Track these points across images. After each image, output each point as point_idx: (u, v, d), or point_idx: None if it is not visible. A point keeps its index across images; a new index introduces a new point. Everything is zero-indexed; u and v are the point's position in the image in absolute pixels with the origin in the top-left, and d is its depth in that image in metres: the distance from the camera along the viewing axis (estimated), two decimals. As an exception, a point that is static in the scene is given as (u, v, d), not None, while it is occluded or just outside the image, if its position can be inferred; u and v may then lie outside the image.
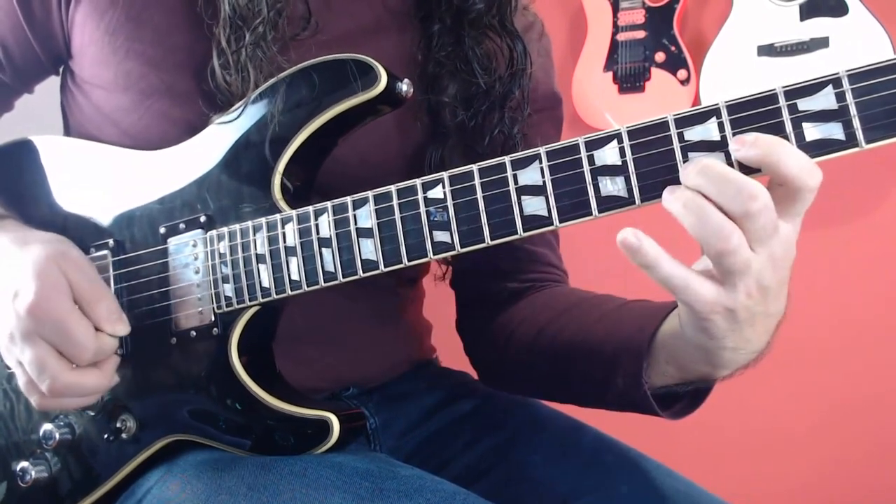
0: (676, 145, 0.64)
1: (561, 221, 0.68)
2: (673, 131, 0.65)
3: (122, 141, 0.90)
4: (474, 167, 0.71)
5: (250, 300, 0.81)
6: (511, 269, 1.00)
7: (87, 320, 0.79)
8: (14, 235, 0.86)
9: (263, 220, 0.80)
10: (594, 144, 0.67)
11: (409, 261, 0.73)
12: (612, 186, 0.66)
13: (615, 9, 2.22)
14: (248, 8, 0.83)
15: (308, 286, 0.78)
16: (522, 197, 0.69)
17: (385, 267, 0.74)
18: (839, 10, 1.98)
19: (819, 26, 1.99)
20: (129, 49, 0.87)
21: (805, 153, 0.61)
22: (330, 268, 0.77)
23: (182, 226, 0.84)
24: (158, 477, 0.83)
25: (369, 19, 0.93)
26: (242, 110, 0.83)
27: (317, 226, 0.77)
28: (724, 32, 2.09)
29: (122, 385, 0.85)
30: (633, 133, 0.66)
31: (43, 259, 0.80)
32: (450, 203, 0.71)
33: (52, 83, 1.00)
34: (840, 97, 0.61)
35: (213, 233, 0.83)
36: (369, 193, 0.75)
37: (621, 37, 2.21)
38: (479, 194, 0.70)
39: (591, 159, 0.67)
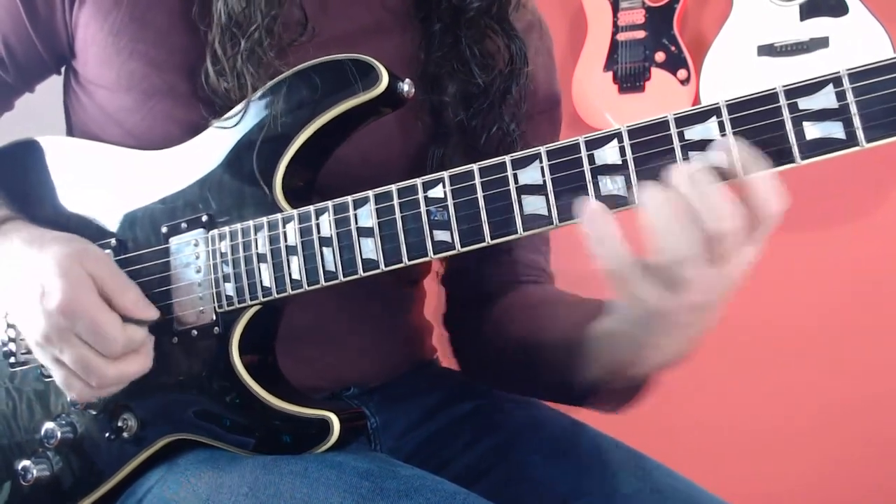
0: (677, 144, 0.64)
1: (561, 221, 0.68)
2: (673, 130, 0.65)
3: (125, 140, 0.91)
4: (475, 166, 0.71)
5: (251, 299, 0.81)
6: (500, 272, 1.01)
7: (115, 314, 0.80)
8: (27, 236, 0.86)
9: (265, 219, 0.80)
10: (594, 144, 0.67)
11: (409, 260, 0.74)
12: (612, 185, 0.67)
13: (615, 9, 2.22)
14: (243, 14, 0.83)
15: (309, 285, 0.78)
16: (523, 196, 0.69)
17: (385, 266, 0.75)
18: (839, 10, 1.98)
19: (819, 26, 1.99)
20: (132, 50, 0.88)
21: (808, 152, 0.62)
22: (331, 267, 0.77)
23: (184, 225, 0.85)
24: (159, 476, 0.83)
25: (368, 21, 0.93)
26: (244, 111, 0.83)
27: (318, 225, 0.77)
28: (724, 32, 2.09)
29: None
30: (633, 132, 0.66)
31: (64, 257, 0.81)
32: (450, 202, 0.72)
33: (53, 83, 1.00)
34: (840, 96, 0.61)
35: (215, 232, 0.83)
36: (370, 193, 0.75)
37: (621, 37, 2.21)
38: (480, 193, 0.70)
39: (591, 158, 0.67)
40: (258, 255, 0.80)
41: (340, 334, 0.95)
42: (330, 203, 0.77)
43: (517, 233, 0.70)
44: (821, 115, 0.61)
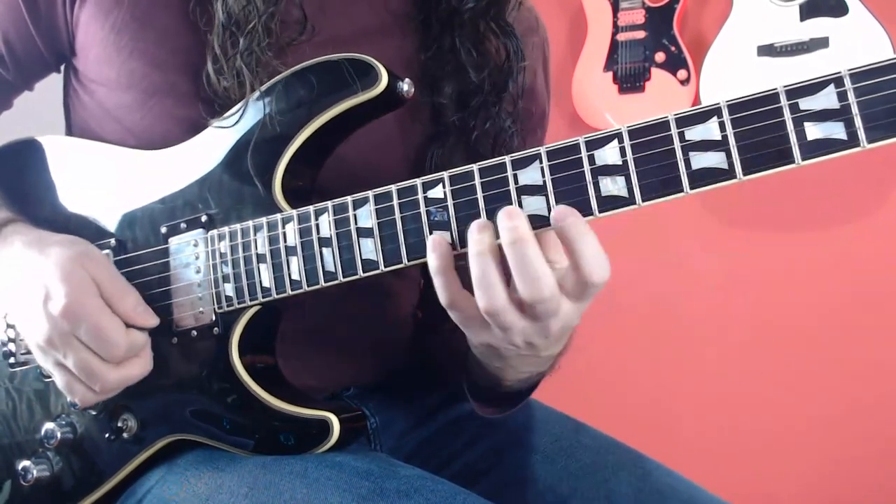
0: (677, 145, 0.64)
1: (561, 221, 0.68)
2: (674, 131, 0.65)
3: (125, 139, 0.91)
4: (475, 167, 0.71)
5: (251, 300, 0.81)
6: None
7: (118, 318, 0.80)
8: (27, 238, 0.86)
9: (264, 219, 0.80)
10: (595, 144, 0.67)
11: (409, 260, 0.73)
12: (612, 186, 0.66)
13: (615, 9, 2.22)
14: (242, 14, 0.83)
15: (308, 286, 0.78)
16: (523, 196, 0.69)
17: (385, 266, 0.74)
18: (839, 10, 1.98)
19: (819, 26, 1.99)
20: (133, 48, 0.88)
21: (809, 153, 0.61)
22: (330, 267, 0.77)
23: (183, 225, 0.84)
24: (159, 476, 0.83)
25: (368, 21, 0.93)
26: (243, 111, 0.83)
27: (317, 225, 0.77)
28: (724, 32, 2.09)
29: (124, 385, 0.85)
30: (633, 133, 0.66)
31: (67, 260, 0.81)
32: (450, 203, 0.71)
33: (52, 81, 1.00)
34: (842, 96, 0.61)
35: (214, 232, 0.83)
36: (369, 193, 0.75)
37: (621, 37, 2.21)
38: (480, 194, 0.70)
39: (591, 159, 0.67)
40: (258, 255, 0.80)
41: (340, 334, 0.95)
42: (329, 203, 0.77)
43: (517, 233, 0.70)
44: (822, 116, 0.61)
